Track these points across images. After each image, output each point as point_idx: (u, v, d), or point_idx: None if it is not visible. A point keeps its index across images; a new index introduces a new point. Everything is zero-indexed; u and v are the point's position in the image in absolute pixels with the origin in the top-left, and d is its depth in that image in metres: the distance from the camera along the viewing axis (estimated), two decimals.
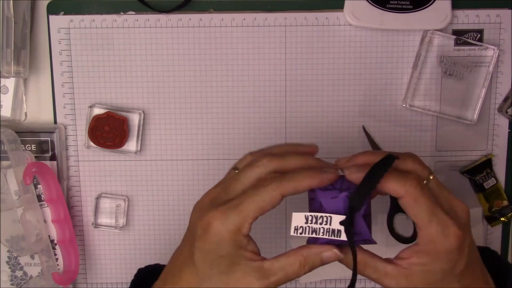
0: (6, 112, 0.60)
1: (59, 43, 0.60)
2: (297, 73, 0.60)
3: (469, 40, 0.59)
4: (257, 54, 0.60)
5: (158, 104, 0.61)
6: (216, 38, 0.60)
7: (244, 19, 0.59)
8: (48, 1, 0.59)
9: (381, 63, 0.60)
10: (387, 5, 0.57)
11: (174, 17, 0.59)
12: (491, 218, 0.63)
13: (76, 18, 0.59)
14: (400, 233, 0.64)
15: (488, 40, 0.59)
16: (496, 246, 0.64)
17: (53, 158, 0.60)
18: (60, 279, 0.60)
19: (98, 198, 0.62)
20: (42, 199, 0.61)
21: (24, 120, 0.61)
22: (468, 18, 0.59)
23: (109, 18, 0.59)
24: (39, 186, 0.60)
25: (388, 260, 0.44)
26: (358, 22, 0.58)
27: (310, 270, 0.43)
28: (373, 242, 0.44)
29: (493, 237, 0.64)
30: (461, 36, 0.59)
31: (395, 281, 0.43)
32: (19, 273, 0.63)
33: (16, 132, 0.58)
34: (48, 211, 0.61)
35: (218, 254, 0.42)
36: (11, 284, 0.63)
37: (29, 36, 0.59)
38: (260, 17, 0.59)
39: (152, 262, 0.59)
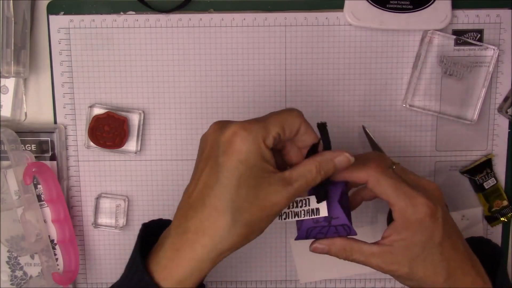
0: (6, 112, 0.60)
1: (59, 43, 0.60)
2: (297, 73, 0.60)
3: (469, 40, 0.59)
4: (257, 54, 0.60)
5: (158, 104, 0.61)
6: (216, 38, 0.60)
7: (244, 19, 0.59)
8: (48, 1, 0.59)
9: (381, 63, 0.60)
10: (387, 5, 0.57)
11: (174, 17, 0.59)
12: (491, 218, 0.63)
13: (76, 18, 0.59)
14: None
15: (488, 40, 0.59)
16: None
17: (53, 158, 0.60)
18: (60, 279, 0.60)
19: (98, 198, 0.62)
20: (42, 199, 0.61)
21: (24, 120, 0.61)
22: (468, 18, 0.59)
23: (109, 18, 0.59)
24: (39, 186, 0.60)
25: (373, 243, 0.47)
26: (358, 22, 0.58)
27: (326, 176, 0.45)
28: (350, 227, 0.47)
29: (493, 237, 0.64)
30: (461, 36, 0.59)
31: (381, 259, 0.46)
32: (19, 273, 0.63)
33: (16, 132, 0.58)
34: (48, 211, 0.61)
35: (246, 167, 0.41)
36: (11, 284, 0.63)
37: (29, 36, 0.59)
38: (260, 17, 0.59)
39: None
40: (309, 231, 0.47)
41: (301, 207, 0.47)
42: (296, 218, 0.47)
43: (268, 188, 0.42)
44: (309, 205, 0.47)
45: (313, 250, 0.48)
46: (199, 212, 0.43)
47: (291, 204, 0.47)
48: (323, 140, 0.46)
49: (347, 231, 0.47)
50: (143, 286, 0.43)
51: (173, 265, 0.43)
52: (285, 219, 0.47)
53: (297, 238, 0.48)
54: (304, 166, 0.44)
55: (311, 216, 0.46)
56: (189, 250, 0.43)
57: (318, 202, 0.46)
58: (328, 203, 0.46)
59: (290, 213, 0.47)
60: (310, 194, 0.47)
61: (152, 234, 0.48)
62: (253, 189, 0.42)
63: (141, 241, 0.47)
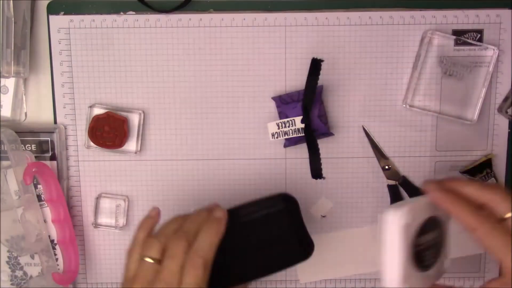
0: (6, 112, 0.60)
1: (59, 43, 0.60)
2: (297, 73, 0.60)
3: (469, 40, 0.59)
4: (257, 54, 0.60)
5: (158, 104, 0.61)
6: (216, 38, 0.60)
7: (244, 19, 0.59)
8: (48, 1, 0.59)
9: (381, 63, 0.60)
10: None
11: (174, 17, 0.59)
12: None
13: (76, 18, 0.59)
14: None
15: (488, 40, 0.59)
16: None
17: (53, 158, 0.60)
18: (60, 279, 0.60)
19: (98, 198, 0.62)
20: (42, 199, 0.61)
21: (24, 120, 0.61)
22: (468, 18, 0.59)
23: (109, 18, 0.59)
24: (39, 186, 0.60)
25: None
26: None
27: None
28: (330, 134, 0.59)
29: None
30: (461, 36, 0.59)
31: None
32: (19, 273, 0.63)
33: (16, 132, 0.58)
34: (48, 211, 0.61)
35: None
36: (11, 284, 0.63)
37: (29, 36, 0.59)
38: (260, 17, 0.59)
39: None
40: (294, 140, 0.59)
41: (288, 127, 0.58)
42: (286, 137, 0.58)
43: None
44: (295, 125, 0.58)
45: None
46: None
47: (280, 124, 0.58)
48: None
49: (325, 136, 0.59)
50: None
51: None
52: (277, 137, 0.58)
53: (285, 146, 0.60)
54: None
55: (297, 134, 0.58)
56: None
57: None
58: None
59: (280, 132, 0.58)
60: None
61: None
62: None
63: None
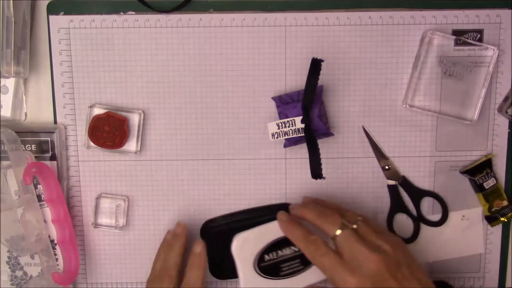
0: (6, 112, 0.60)
1: (59, 43, 0.60)
2: (297, 73, 0.60)
3: (469, 40, 0.59)
4: (257, 54, 0.60)
5: (158, 104, 0.61)
6: (216, 38, 0.60)
7: (244, 19, 0.59)
8: (48, 1, 0.59)
9: (381, 63, 0.60)
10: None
11: (174, 17, 0.59)
12: (491, 218, 0.63)
13: (76, 18, 0.59)
14: (400, 233, 0.64)
15: (488, 40, 0.59)
16: (496, 246, 0.64)
17: (53, 158, 0.60)
18: (60, 279, 0.60)
19: (98, 198, 0.62)
20: (42, 199, 0.61)
21: (24, 120, 0.61)
22: (468, 18, 0.59)
23: (109, 18, 0.59)
24: (39, 186, 0.60)
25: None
26: None
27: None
28: (330, 134, 0.60)
29: (493, 237, 0.64)
30: (461, 36, 0.59)
31: None
32: (19, 273, 0.63)
33: (16, 132, 0.58)
34: (48, 211, 0.61)
35: None
36: (11, 284, 0.63)
37: (29, 36, 0.59)
38: (260, 17, 0.59)
39: (151, 262, 0.59)
40: (294, 140, 0.59)
41: (288, 127, 0.58)
42: (286, 137, 0.59)
43: None
44: (295, 125, 0.58)
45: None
46: None
47: (280, 124, 0.58)
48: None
49: (325, 136, 0.59)
50: None
51: None
52: (277, 138, 0.59)
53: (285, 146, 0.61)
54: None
55: (297, 134, 0.58)
56: None
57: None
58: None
59: (280, 133, 0.59)
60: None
61: None
62: None
63: None
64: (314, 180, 0.57)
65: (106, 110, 0.60)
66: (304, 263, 0.57)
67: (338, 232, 0.52)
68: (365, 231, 0.52)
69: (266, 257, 0.56)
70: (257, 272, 0.56)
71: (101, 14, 0.59)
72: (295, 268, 0.57)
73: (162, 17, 0.59)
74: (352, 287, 0.49)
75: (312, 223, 0.54)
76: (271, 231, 0.56)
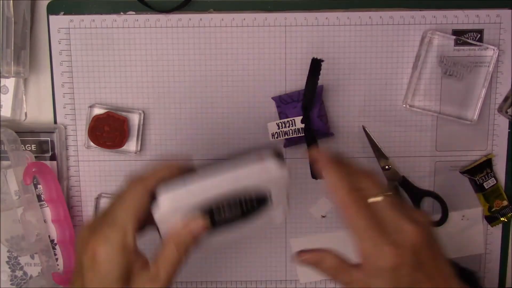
0: (6, 112, 0.60)
1: (59, 43, 0.60)
2: (297, 73, 0.60)
3: (469, 40, 0.59)
4: (257, 54, 0.60)
5: (158, 104, 0.61)
6: (216, 38, 0.60)
7: (244, 19, 0.59)
8: (48, 1, 0.59)
9: (381, 63, 0.60)
10: None
11: (174, 17, 0.59)
12: (491, 218, 0.63)
13: (76, 18, 0.59)
14: None
15: (488, 40, 0.59)
16: (496, 246, 0.64)
17: (53, 158, 0.60)
18: (60, 279, 0.60)
19: (98, 198, 0.62)
20: (42, 199, 0.61)
21: (24, 120, 0.61)
22: (468, 18, 0.59)
23: (109, 18, 0.59)
24: (39, 186, 0.60)
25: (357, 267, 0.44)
26: None
27: (188, 249, 0.43)
28: (330, 134, 0.60)
29: (493, 237, 0.64)
30: (461, 36, 0.59)
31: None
32: (19, 273, 0.63)
33: (16, 132, 0.58)
34: (48, 211, 0.61)
35: (111, 280, 0.41)
36: (11, 284, 0.63)
37: (29, 36, 0.59)
38: (260, 17, 0.59)
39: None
40: (293, 140, 0.59)
41: (288, 127, 0.58)
42: (286, 137, 0.59)
43: None
44: (294, 125, 0.58)
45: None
46: None
47: (280, 124, 0.58)
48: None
49: (325, 136, 0.59)
50: None
51: None
52: (277, 138, 0.59)
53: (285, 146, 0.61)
54: (163, 252, 0.43)
55: (297, 134, 0.58)
56: None
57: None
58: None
59: (280, 133, 0.59)
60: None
61: None
62: None
63: None
64: (314, 180, 0.57)
65: (106, 110, 0.60)
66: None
67: (380, 197, 0.44)
68: (400, 202, 0.46)
69: None
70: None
71: (101, 14, 0.59)
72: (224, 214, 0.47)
73: (162, 17, 0.59)
74: (390, 257, 0.42)
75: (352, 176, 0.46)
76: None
